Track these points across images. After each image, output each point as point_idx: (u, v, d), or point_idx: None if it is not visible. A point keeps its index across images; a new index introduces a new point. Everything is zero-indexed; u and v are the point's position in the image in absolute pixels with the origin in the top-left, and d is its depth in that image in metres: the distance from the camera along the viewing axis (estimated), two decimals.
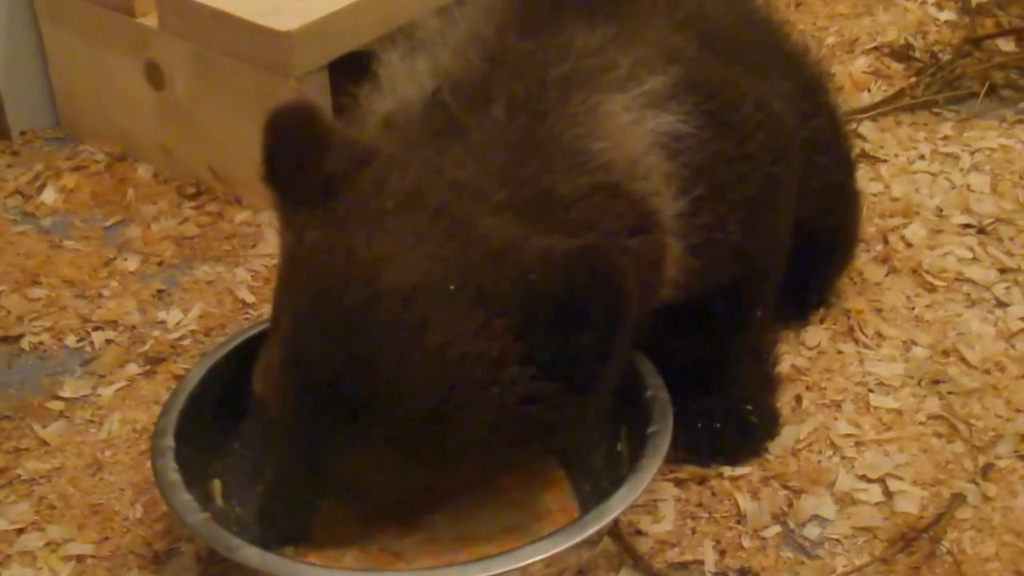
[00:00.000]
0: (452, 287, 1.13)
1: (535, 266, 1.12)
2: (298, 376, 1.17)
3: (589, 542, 1.22)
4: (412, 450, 1.17)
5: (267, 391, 1.22)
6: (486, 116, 1.23)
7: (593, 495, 1.37)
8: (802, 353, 1.66)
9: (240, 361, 1.37)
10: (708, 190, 1.30)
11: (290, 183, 1.21)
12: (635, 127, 1.27)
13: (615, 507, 1.22)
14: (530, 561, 1.17)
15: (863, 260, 1.80)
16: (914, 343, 1.68)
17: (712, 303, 1.42)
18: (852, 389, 1.60)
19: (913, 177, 2.03)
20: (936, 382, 1.61)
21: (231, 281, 1.83)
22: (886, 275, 1.80)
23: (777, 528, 1.42)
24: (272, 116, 1.22)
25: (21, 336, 1.75)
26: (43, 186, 2.08)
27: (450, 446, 1.18)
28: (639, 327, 1.19)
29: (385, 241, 1.15)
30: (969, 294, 1.77)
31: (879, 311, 1.73)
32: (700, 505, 1.45)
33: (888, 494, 1.46)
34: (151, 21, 1.95)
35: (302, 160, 1.20)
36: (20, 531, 1.44)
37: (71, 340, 1.74)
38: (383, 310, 1.13)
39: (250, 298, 1.79)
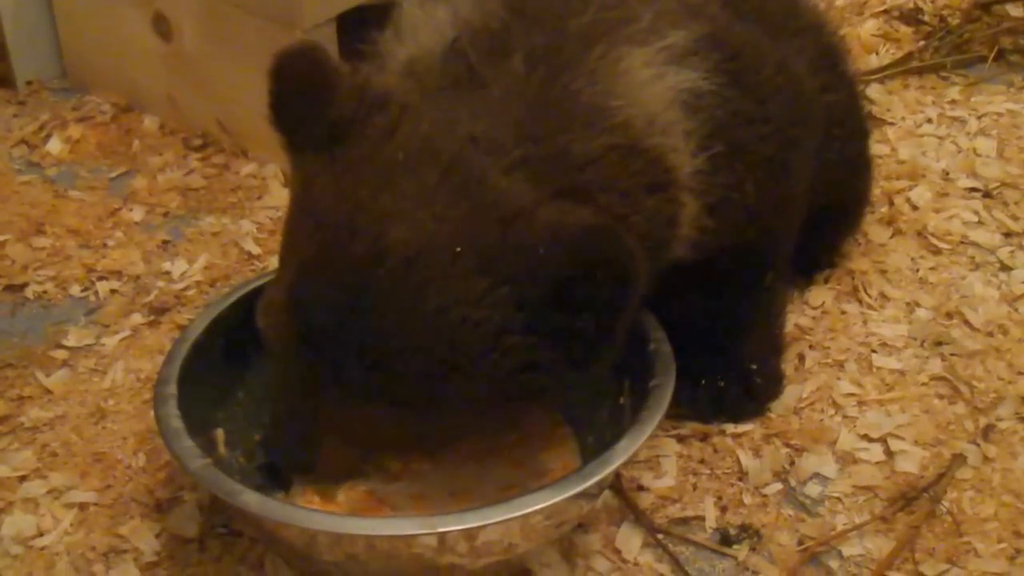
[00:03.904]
0: (458, 250, 1.12)
1: (543, 240, 1.11)
2: (299, 322, 1.17)
3: (589, 494, 1.22)
4: (406, 405, 1.17)
5: (269, 328, 1.21)
6: (505, 68, 1.22)
7: (596, 448, 1.37)
8: (806, 313, 1.66)
9: (245, 311, 1.37)
10: (727, 148, 1.30)
11: (297, 127, 1.20)
12: (655, 83, 1.25)
13: (615, 459, 1.22)
14: (528, 511, 1.16)
15: (868, 221, 1.81)
16: (918, 305, 1.68)
17: (724, 265, 1.42)
18: (855, 349, 1.61)
19: (920, 140, 2.03)
20: (939, 344, 1.62)
21: (236, 233, 1.83)
22: (891, 237, 1.80)
23: (778, 485, 1.42)
24: (277, 59, 1.20)
25: (25, 285, 1.75)
26: (49, 136, 2.08)
27: (444, 404, 1.18)
28: (648, 285, 1.18)
29: (393, 195, 1.14)
30: (973, 257, 1.77)
31: (883, 272, 1.73)
32: (702, 461, 1.45)
33: (889, 453, 1.46)
34: None
35: (308, 104, 1.19)
36: (23, 478, 1.44)
37: (75, 289, 1.74)
38: (387, 268, 1.12)
39: (255, 250, 1.79)
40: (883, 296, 1.69)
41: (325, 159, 1.18)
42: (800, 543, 1.36)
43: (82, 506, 1.41)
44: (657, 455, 1.45)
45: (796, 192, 1.45)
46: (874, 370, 1.58)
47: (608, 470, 1.21)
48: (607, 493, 1.37)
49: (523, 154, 1.17)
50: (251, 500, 1.17)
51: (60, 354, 1.63)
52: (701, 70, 1.28)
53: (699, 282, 1.41)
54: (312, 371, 1.18)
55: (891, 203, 1.86)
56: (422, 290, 1.12)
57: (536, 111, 1.20)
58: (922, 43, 2.27)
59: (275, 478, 1.33)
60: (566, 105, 1.21)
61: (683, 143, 1.27)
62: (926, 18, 2.33)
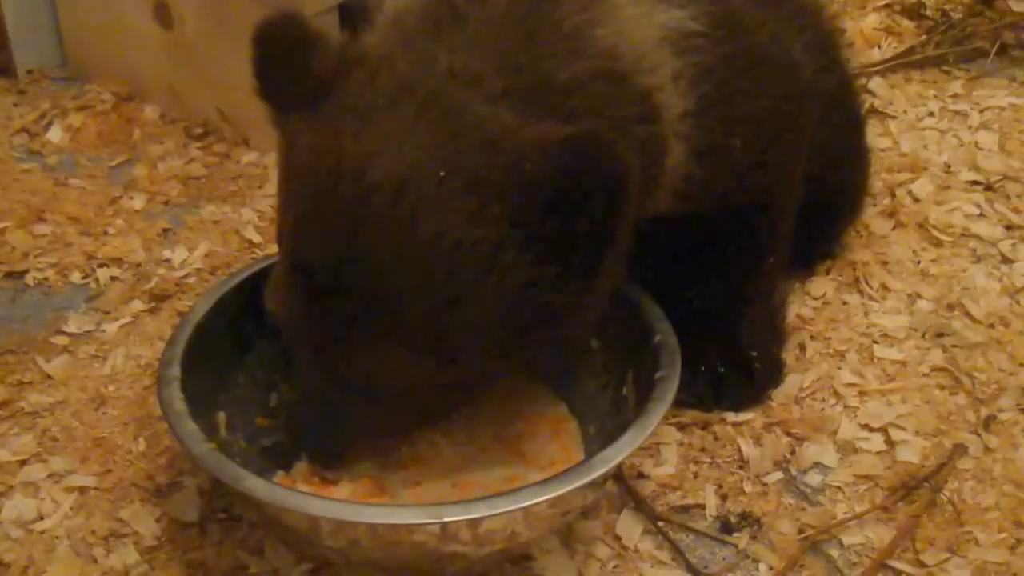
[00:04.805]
0: (442, 174, 1.11)
1: (530, 154, 1.10)
2: (302, 282, 1.17)
3: (595, 484, 1.22)
4: (420, 343, 1.16)
5: (277, 304, 1.21)
6: (486, 3, 1.21)
7: (597, 437, 1.37)
8: (807, 303, 1.66)
9: (246, 295, 1.37)
10: (715, 93, 1.29)
11: (280, 92, 1.20)
12: (643, 20, 1.25)
13: (622, 450, 1.21)
14: (535, 501, 1.16)
15: (870, 214, 1.81)
16: (919, 296, 1.68)
17: (723, 247, 1.43)
18: (856, 339, 1.60)
19: (921, 133, 2.03)
20: (940, 335, 1.61)
21: (237, 221, 1.83)
22: (892, 229, 1.80)
23: (779, 474, 1.42)
24: (256, 30, 1.21)
25: (26, 272, 1.75)
26: (49, 125, 2.08)
27: (457, 336, 1.16)
28: (639, 237, 1.17)
29: (374, 135, 1.13)
30: (975, 250, 1.77)
31: (885, 264, 1.73)
32: (703, 450, 1.45)
33: (890, 443, 1.46)
34: None
35: (290, 67, 1.19)
36: (23, 462, 1.44)
37: (76, 276, 1.74)
38: (374, 205, 1.12)
39: (256, 238, 1.79)
40: (884, 287, 1.69)
41: (308, 118, 1.18)
42: (801, 532, 1.36)
43: (82, 490, 1.41)
44: (658, 443, 1.45)
45: (788, 171, 1.45)
46: (875, 360, 1.58)
47: (615, 462, 1.20)
48: (608, 481, 1.36)
49: (505, 84, 1.16)
50: (256, 485, 1.17)
51: (60, 340, 1.63)
52: (689, 10, 1.27)
53: (699, 266, 1.41)
54: (321, 334, 1.18)
55: (893, 195, 1.86)
56: (412, 220, 1.11)
57: (518, 41, 1.19)
58: (924, 37, 2.27)
59: (276, 459, 1.33)
60: (549, 34, 1.20)
61: (671, 84, 1.26)
62: (928, 12, 2.33)
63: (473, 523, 1.15)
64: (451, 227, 1.11)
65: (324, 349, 1.19)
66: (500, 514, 1.16)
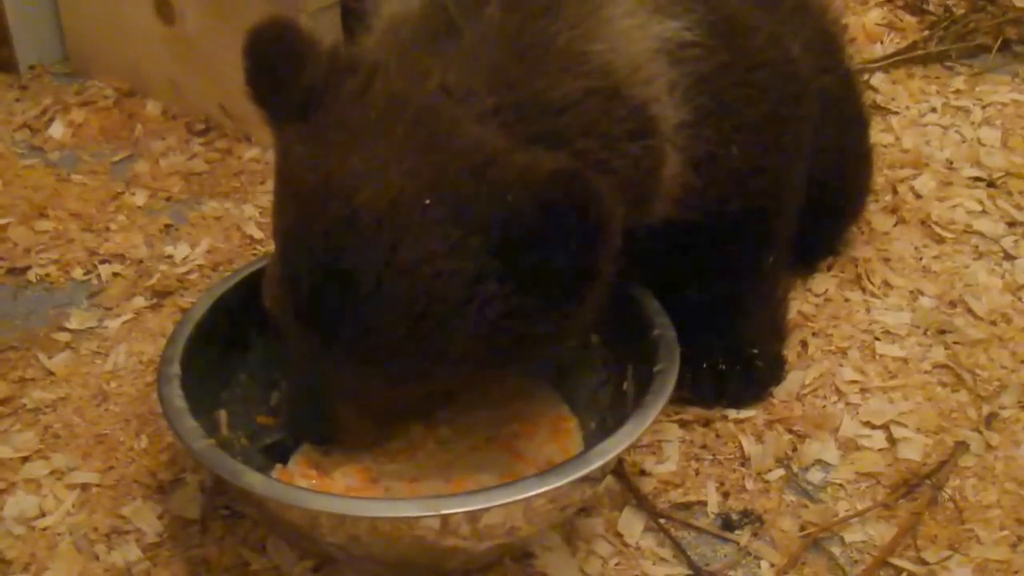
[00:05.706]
0: (427, 202, 1.11)
1: (512, 187, 1.10)
2: (289, 293, 1.17)
3: (592, 479, 1.22)
4: (395, 366, 1.17)
5: (272, 305, 1.22)
6: (481, 16, 1.20)
7: (598, 433, 1.37)
8: (809, 300, 1.66)
9: (247, 293, 1.37)
10: (711, 103, 1.29)
11: (272, 99, 1.20)
12: (638, 32, 1.25)
13: (619, 443, 1.21)
14: (531, 494, 1.16)
15: (872, 210, 1.81)
16: (921, 293, 1.68)
17: (723, 248, 1.42)
18: (858, 336, 1.60)
19: (924, 129, 2.03)
20: (942, 332, 1.61)
21: (239, 217, 1.83)
22: (894, 225, 1.80)
23: (780, 471, 1.42)
24: (248, 35, 1.20)
25: (28, 268, 1.75)
26: (51, 120, 2.08)
27: (432, 362, 1.17)
28: (637, 241, 1.17)
29: (362, 156, 1.13)
30: (977, 246, 1.77)
31: (887, 260, 1.73)
32: (704, 447, 1.45)
33: (892, 441, 1.46)
34: None
35: (281, 75, 1.19)
36: (25, 459, 1.44)
37: (78, 273, 1.74)
38: (359, 228, 1.12)
39: (258, 234, 1.79)
40: (886, 284, 1.69)
41: (300, 128, 1.18)
42: (802, 529, 1.36)
43: (84, 487, 1.41)
44: (659, 440, 1.45)
45: (788, 173, 1.45)
46: (877, 357, 1.58)
47: (612, 455, 1.20)
48: (609, 477, 1.36)
49: (496, 101, 1.16)
50: (254, 481, 1.17)
51: (62, 336, 1.63)
52: (684, 20, 1.27)
53: (701, 264, 1.41)
54: (307, 343, 1.18)
55: (895, 192, 1.86)
56: (394, 247, 1.11)
57: (511, 57, 1.18)
58: (927, 33, 2.27)
59: (277, 457, 1.33)
60: (543, 50, 1.20)
61: (667, 95, 1.26)
62: (931, 8, 2.33)
63: (472, 516, 1.15)
64: (432, 256, 1.11)
65: (311, 355, 1.20)
66: (498, 506, 1.15)
